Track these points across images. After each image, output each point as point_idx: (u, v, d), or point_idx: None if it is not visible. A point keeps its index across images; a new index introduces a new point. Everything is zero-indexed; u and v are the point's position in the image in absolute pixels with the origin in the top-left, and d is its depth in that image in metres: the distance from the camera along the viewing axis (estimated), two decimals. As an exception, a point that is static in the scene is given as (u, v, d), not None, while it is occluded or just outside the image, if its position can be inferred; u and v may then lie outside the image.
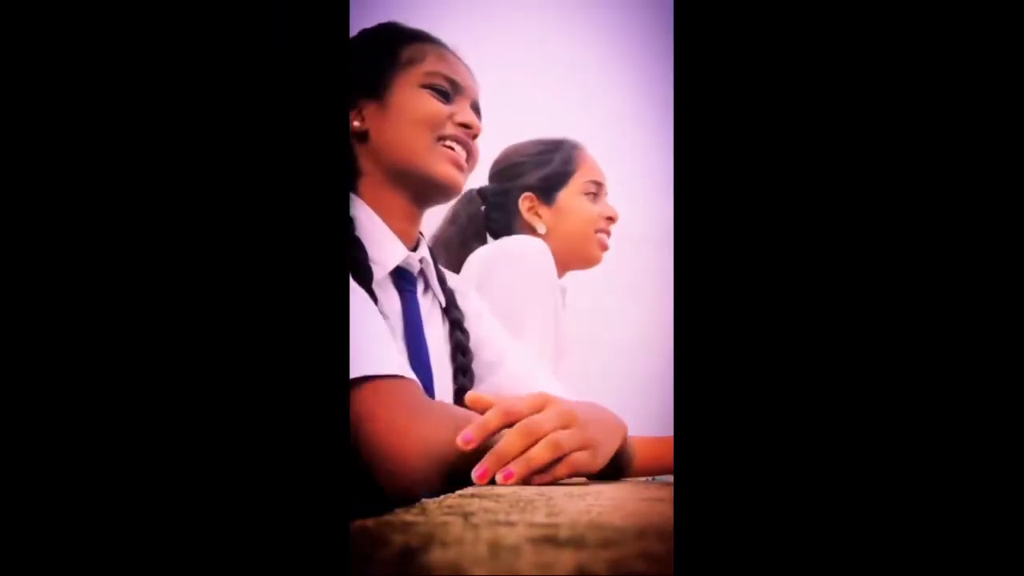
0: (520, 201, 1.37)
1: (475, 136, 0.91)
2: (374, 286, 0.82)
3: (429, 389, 0.85)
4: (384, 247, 0.85)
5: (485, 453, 0.62)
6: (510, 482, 0.60)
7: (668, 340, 0.50)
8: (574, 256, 1.38)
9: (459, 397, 0.88)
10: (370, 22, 0.95)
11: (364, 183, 0.88)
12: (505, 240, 1.26)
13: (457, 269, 1.26)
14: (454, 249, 1.35)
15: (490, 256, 1.22)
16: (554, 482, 0.63)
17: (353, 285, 0.76)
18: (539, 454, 0.61)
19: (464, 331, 0.93)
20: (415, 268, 0.90)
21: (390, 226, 0.87)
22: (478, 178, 1.36)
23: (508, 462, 0.61)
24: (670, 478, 1.06)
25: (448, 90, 0.89)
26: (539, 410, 0.65)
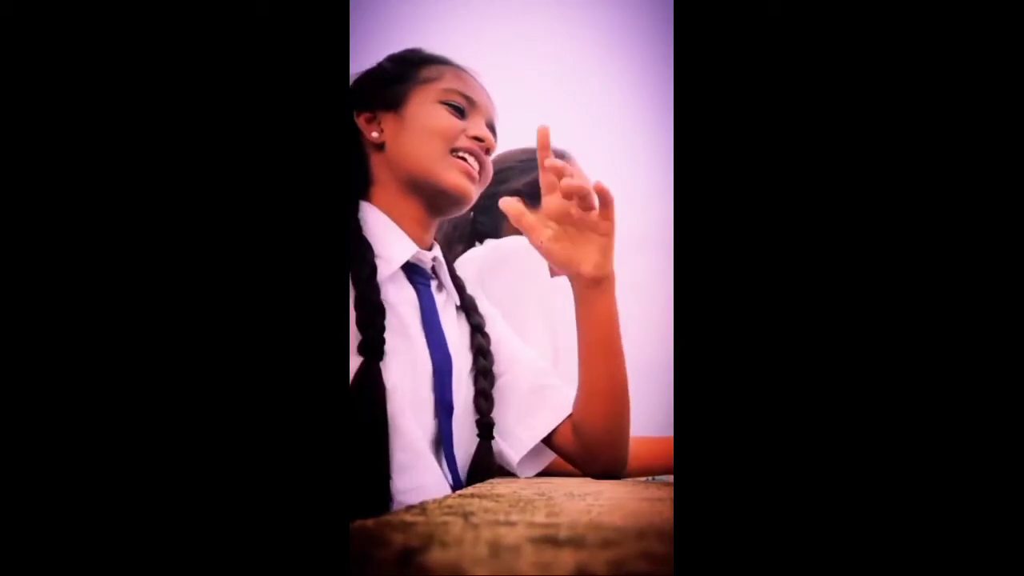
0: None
1: (488, 151, 0.93)
2: (387, 281, 0.84)
3: (448, 371, 0.86)
4: (392, 244, 0.87)
5: None
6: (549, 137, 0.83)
7: (668, 340, 0.50)
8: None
9: (480, 399, 0.89)
10: (370, 22, 0.95)
11: (379, 191, 0.91)
12: (499, 241, 1.26)
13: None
14: (440, 249, 1.34)
15: (486, 257, 1.22)
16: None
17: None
18: (585, 184, 0.80)
19: (485, 335, 0.94)
20: (428, 265, 0.91)
21: (402, 228, 0.89)
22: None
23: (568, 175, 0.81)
24: (670, 478, 1.07)
25: (464, 107, 0.92)
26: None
